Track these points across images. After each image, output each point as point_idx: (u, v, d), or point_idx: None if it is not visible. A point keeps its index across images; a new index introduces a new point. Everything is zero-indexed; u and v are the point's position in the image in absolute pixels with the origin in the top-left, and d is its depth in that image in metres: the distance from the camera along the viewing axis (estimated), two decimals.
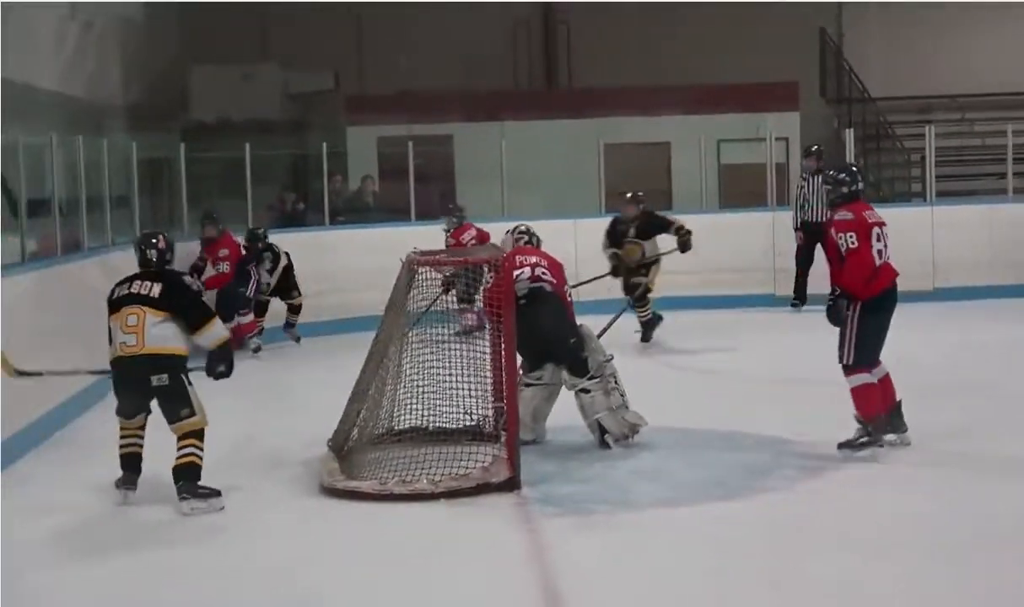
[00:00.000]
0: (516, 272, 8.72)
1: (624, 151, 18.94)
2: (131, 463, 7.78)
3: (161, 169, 16.20)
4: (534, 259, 9.22)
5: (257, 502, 7.90)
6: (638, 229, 12.50)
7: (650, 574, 6.17)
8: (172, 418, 7.57)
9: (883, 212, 13.13)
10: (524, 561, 6.57)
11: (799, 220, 14.92)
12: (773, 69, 20.53)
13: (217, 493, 7.70)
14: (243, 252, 12.72)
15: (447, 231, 14.11)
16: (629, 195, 12.94)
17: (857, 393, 7.93)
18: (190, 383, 7.72)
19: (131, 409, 7.74)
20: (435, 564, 6.54)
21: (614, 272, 12.71)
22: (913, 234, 15.41)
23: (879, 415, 8.10)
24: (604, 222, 15.52)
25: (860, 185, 8.61)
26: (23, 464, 8.49)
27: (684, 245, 12.06)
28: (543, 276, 9.01)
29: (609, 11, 21.35)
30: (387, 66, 20.86)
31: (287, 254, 13.17)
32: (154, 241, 8.01)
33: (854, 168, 9.33)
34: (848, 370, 7.89)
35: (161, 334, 7.54)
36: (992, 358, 11.36)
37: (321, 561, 6.78)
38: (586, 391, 8.73)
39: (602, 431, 8.69)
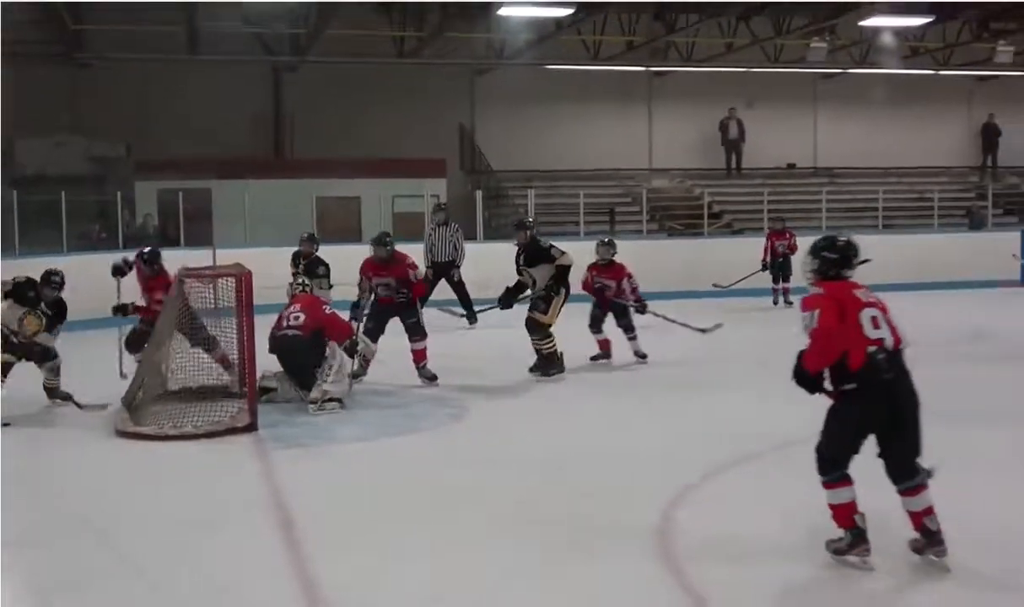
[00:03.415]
0: (284, 323, 9.28)
1: (329, 202, 20.28)
2: None
3: None
4: (293, 307, 9.35)
5: (67, 442, 8.24)
6: (526, 258, 10.35)
7: (348, 486, 6.73)
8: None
9: (502, 247, 14.74)
10: (259, 479, 6.97)
11: (429, 260, 14.34)
12: (430, 149, 22.25)
13: (69, 396, 9.01)
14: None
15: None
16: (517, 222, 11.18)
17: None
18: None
19: None
20: (196, 483, 6.94)
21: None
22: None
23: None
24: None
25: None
26: None
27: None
28: (293, 322, 9.17)
29: (318, 106, 22.43)
30: (164, 139, 20.91)
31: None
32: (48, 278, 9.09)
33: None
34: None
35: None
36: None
37: (110, 483, 7.00)
38: (315, 373, 9.09)
39: (311, 401, 8.90)
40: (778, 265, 16.92)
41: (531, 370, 10.41)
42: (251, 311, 8.67)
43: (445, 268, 14.52)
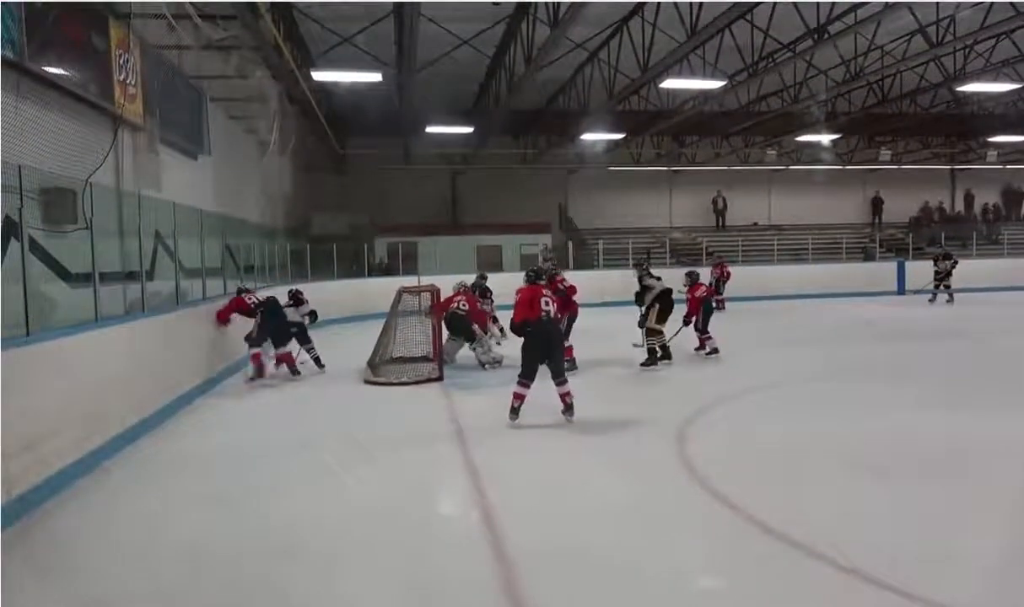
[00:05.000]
0: (453, 304, 8.97)
1: (485, 250, 19.99)
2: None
3: None
4: (459, 300, 9.07)
5: (333, 384, 8.08)
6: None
7: (490, 410, 6.29)
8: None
9: (584, 273, 14.90)
10: (444, 406, 6.78)
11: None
12: (541, 216, 22.26)
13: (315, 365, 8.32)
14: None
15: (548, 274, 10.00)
16: (633, 263, 8.74)
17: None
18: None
19: None
20: (407, 408, 6.81)
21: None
22: (594, 284, 16.08)
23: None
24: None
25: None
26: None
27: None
28: (461, 308, 8.94)
29: (476, 193, 22.31)
30: (390, 213, 21.04)
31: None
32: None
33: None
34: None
35: None
36: None
37: (358, 408, 6.88)
38: (474, 349, 8.95)
39: (481, 363, 8.83)
40: (716, 284, 16.00)
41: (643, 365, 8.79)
42: (439, 310, 8.68)
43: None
